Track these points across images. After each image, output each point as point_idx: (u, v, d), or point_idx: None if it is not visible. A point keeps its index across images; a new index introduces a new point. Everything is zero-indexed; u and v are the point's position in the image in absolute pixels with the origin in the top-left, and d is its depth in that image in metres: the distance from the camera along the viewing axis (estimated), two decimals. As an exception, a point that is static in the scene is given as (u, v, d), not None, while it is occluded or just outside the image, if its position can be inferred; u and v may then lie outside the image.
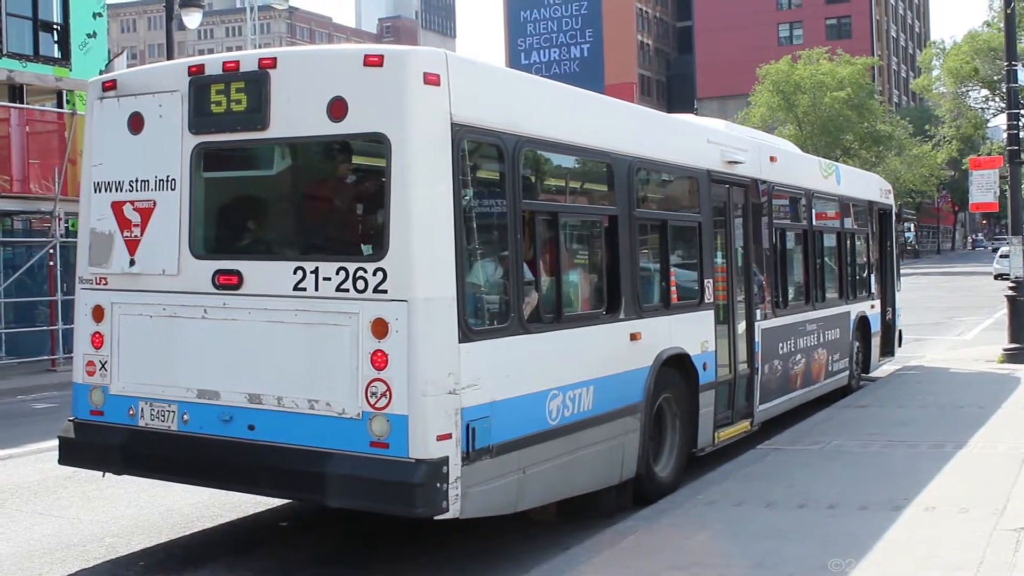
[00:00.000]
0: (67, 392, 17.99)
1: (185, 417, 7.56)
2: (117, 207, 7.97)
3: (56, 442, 8.27)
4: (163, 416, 7.68)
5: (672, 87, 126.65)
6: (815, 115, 73.71)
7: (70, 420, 8.21)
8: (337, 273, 6.95)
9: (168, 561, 8.05)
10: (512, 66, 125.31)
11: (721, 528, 8.08)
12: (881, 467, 10.10)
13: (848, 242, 15.46)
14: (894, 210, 18.28)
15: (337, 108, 7.02)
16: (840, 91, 72.70)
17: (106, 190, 8.06)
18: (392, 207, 6.76)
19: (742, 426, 11.41)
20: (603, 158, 8.91)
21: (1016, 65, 19.61)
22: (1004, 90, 21.99)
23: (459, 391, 6.82)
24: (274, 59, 7.35)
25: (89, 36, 28.46)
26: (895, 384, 16.41)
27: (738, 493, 9.15)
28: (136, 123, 7.94)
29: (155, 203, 7.80)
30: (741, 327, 11.45)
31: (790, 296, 13.10)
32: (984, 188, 21.75)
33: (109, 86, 8.15)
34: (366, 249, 7.06)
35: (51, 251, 21.68)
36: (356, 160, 7.60)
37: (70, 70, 27.72)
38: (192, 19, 25.40)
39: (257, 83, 7.36)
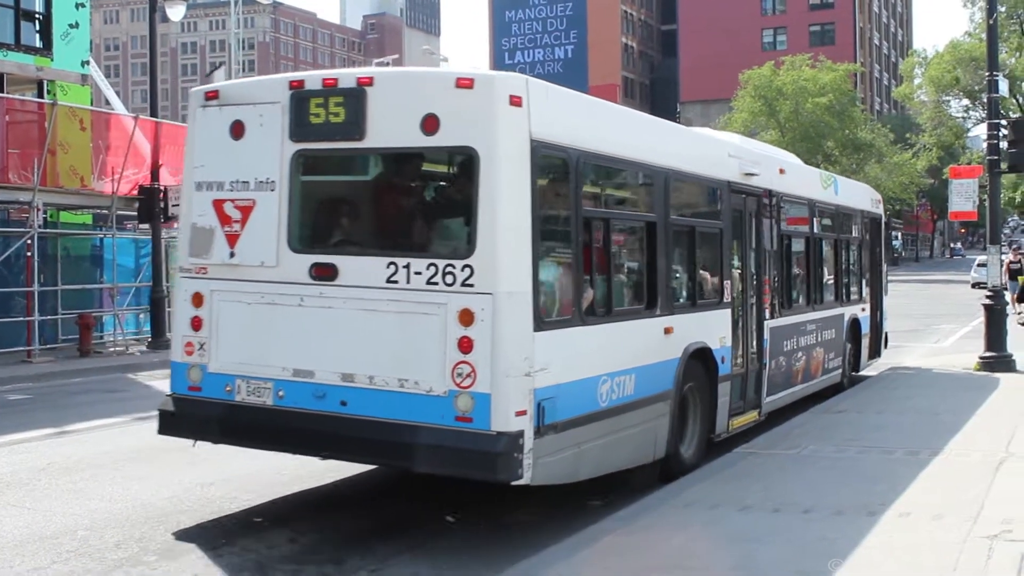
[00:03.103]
0: (42, 384, 17.90)
1: (280, 393, 8.50)
2: (218, 205, 8.93)
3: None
4: (259, 392, 8.61)
5: (655, 90, 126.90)
6: (797, 121, 74.13)
7: (168, 395, 9.13)
8: (427, 268, 7.95)
9: (141, 554, 8.02)
10: (496, 66, 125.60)
11: (697, 530, 8.08)
12: (857, 472, 10.12)
13: (843, 249, 16.61)
14: (883, 219, 19.24)
15: (430, 123, 7.99)
16: (822, 97, 73.07)
17: (207, 189, 9.00)
18: (480, 212, 7.78)
19: (751, 416, 12.52)
20: (645, 170, 10.07)
21: (997, 75, 19.70)
22: (985, 100, 22.11)
23: (533, 373, 7.86)
24: (371, 78, 8.35)
25: (71, 26, 28.28)
26: (873, 389, 16.48)
27: (714, 496, 9.16)
28: (237, 130, 8.89)
29: (255, 202, 8.77)
30: (752, 325, 12.58)
31: (794, 298, 14.24)
32: (964, 197, 21.87)
33: (211, 96, 9.10)
34: (455, 248, 8.02)
35: (28, 242, 21.54)
36: (446, 169, 8.63)
37: (51, 60, 27.56)
38: (175, 12, 25.31)
39: (355, 98, 8.33)
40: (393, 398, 8.03)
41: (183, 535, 8.60)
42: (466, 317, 7.80)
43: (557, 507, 9.43)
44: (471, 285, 7.79)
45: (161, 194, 23.35)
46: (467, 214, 7.92)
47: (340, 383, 8.26)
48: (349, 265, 8.34)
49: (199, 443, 9.35)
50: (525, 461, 7.76)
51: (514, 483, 7.76)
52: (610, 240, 9.29)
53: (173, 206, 23.40)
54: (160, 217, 23.38)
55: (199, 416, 8.92)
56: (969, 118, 75.38)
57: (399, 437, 7.93)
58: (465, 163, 8.00)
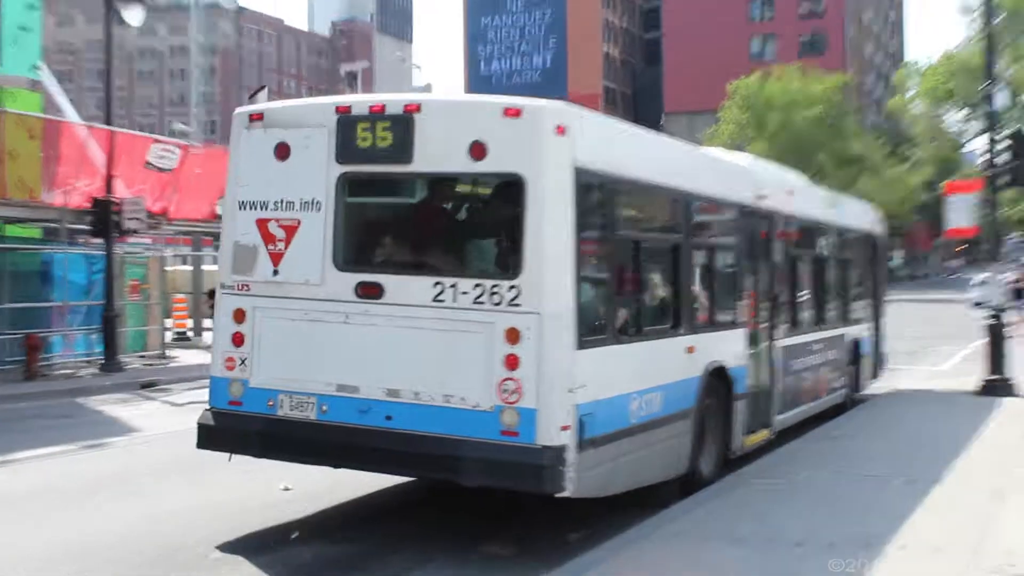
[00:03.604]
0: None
1: (324, 408, 9.16)
2: (262, 224, 9.58)
3: None
4: (302, 407, 9.25)
5: (639, 100, 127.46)
6: (786, 134, 74.41)
7: (208, 409, 9.72)
8: (474, 288, 8.68)
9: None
10: (471, 74, 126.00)
11: (687, 563, 8.03)
12: (852, 502, 10.07)
13: (847, 269, 17.50)
14: (884, 239, 19.95)
15: (477, 150, 8.73)
16: (812, 109, 73.49)
17: (251, 208, 9.65)
18: (526, 235, 8.53)
19: (763, 434, 13.20)
20: (672, 194, 10.98)
21: (995, 86, 19.79)
22: (984, 110, 22.21)
23: (575, 390, 8.58)
24: (418, 105, 9.08)
25: (21, 29, 28.04)
26: (870, 414, 16.47)
27: (704, 527, 9.11)
28: (282, 152, 9.53)
29: (300, 222, 9.43)
30: (764, 344, 13.32)
31: (801, 318, 15.03)
32: (961, 212, 21.92)
33: (256, 118, 9.78)
34: (501, 269, 8.78)
35: (-26, 256, 21.30)
36: (492, 194, 9.34)
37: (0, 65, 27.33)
38: (133, 15, 25.12)
39: (402, 124, 9.04)
40: (439, 413, 8.72)
41: (138, 563, 8.50)
42: (512, 335, 8.51)
43: (534, 540, 9.39)
44: (518, 304, 8.53)
45: (116, 207, 23.13)
46: (513, 237, 8.66)
47: (385, 398, 8.94)
48: (395, 284, 9.03)
49: (156, 476, 9.40)
50: (568, 474, 8.45)
51: (558, 495, 8.47)
52: (640, 262, 10.33)
53: (128, 219, 23.22)
54: (114, 231, 23.17)
55: (239, 430, 9.54)
56: (968, 130, 75.82)
57: (446, 450, 8.61)
58: (512, 188, 8.67)
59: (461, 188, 9.65)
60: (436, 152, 8.99)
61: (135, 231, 24.63)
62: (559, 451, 8.42)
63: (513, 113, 8.72)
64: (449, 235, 9.61)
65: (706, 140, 72.56)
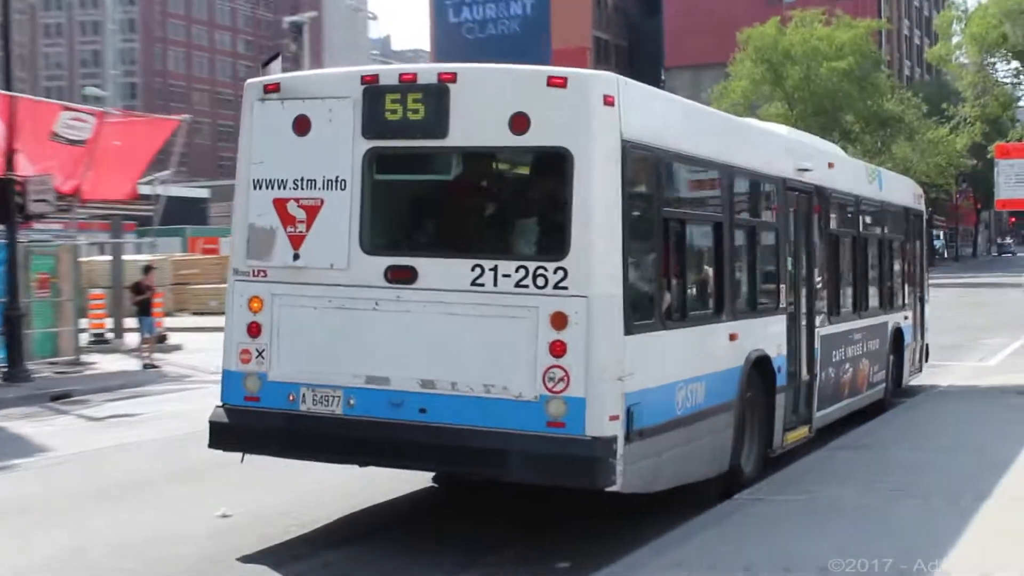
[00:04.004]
0: None
1: (351, 401, 9.80)
2: (280, 204, 10.14)
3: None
4: (327, 401, 9.88)
5: (635, 54, 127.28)
6: (808, 90, 74.36)
7: (219, 406, 10.37)
8: (517, 271, 9.31)
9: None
10: (437, 25, 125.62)
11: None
12: (884, 524, 10.14)
13: (887, 250, 18.34)
14: (925, 216, 20.71)
15: (519, 122, 9.35)
16: (839, 61, 73.32)
17: (267, 187, 10.21)
18: (574, 213, 9.18)
19: (803, 431, 13.93)
20: (715, 168, 11.74)
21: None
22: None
23: (624, 378, 9.25)
24: (454, 74, 9.66)
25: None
26: (903, 419, 16.58)
27: (710, 555, 9.16)
28: (302, 125, 10.11)
29: (322, 201, 9.99)
30: (804, 332, 14.05)
31: (842, 304, 15.85)
32: (1014, 181, 22.02)
33: (271, 88, 10.32)
34: (546, 249, 9.44)
35: None
36: (535, 170, 10.15)
37: None
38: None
39: (436, 95, 9.64)
40: (478, 404, 9.38)
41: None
42: (559, 320, 9.15)
43: (514, 567, 9.53)
44: (564, 287, 9.17)
45: (18, 187, 23.00)
46: (559, 215, 9.32)
47: (419, 390, 9.59)
48: (429, 268, 9.68)
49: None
50: (618, 467, 9.13)
51: (608, 489, 9.16)
52: (685, 241, 11.07)
53: (34, 201, 23.13)
54: (17, 216, 23.05)
55: (258, 428, 10.18)
56: (1020, 83, 75.77)
57: (486, 444, 9.28)
58: (557, 163, 9.29)
59: (501, 163, 10.37)
60: (473, 125, 9.60)
61: (42, 215, 24.59)
62: (609, 442, 9.10)
63: (558, 82, 9.33)
64: (488, 214, 10.40)
65: (714, 100, 72.61)
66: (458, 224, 10.32)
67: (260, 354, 10.21)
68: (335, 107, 10.01)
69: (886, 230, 18.45)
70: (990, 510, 10.61)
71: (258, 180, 10.30)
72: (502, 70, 10.09)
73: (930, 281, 22.73)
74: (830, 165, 15.44)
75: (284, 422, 10.04)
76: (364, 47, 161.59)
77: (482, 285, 9.42)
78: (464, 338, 9.51)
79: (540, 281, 9.24)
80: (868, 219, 17.58)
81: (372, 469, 11.21)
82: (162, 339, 29.55)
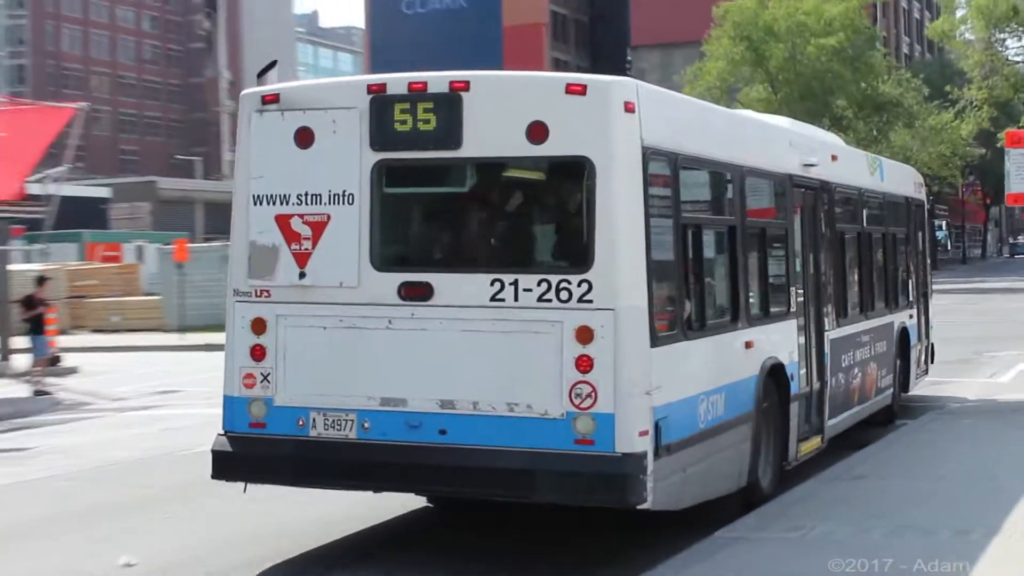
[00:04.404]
0: None
1: (365, 425, 10.64)
2: (283, 220, 10.96)
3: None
4: (339, 425, 10.70)
5: (597, 30, 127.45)
6: (794, 71, 74.45)
7: (222, 434, 11.13)
8: (538, 284, 10.23)
9: None
10: (373, 4, 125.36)
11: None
12: (884, 563, 10.14)
13: (890, 244, 19.39)
14: (926, 205, 21.78)
15: (537, 131, 10.28)
16: (828, 37, 73.54)
17: (268, 203, 11.01)
18: (597, 224, 10.11)
19: (815, 442, 14.93)
20: (728, 170, 12.76)
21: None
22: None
23: (652, 391, 10.17)
24: (466, 82, 10.55)
25: None
26: (903, 444, 16.64)
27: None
28: (304, 137, 10.92)
29: (329, 217, 10.81)
30: (814, 336, 15.05)
31: (849, 305, 16.88)
32: (1026, 173, 22.10)
33: (270, 99, 11.13)
34: (569, 262, 10.46)
35: None
36: (554, 180, 11.09)
37: None
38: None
39: (449, 104, 10.54)
40: (501, 424, 10.28)
41: None
42: (584, 334, 10.04)
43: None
44: (589, 301, 10.08)
45: None
46: (582, 227, 10.27)
47: (438, 410, 10.45)
48: (446, 283, 10.57)
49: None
50: (648, 484, 10.01)
51: (639, 507, 10.04)
52: (702, 247, 12.07)
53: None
54: None
55: (265, 456, 10.96)
56: (1033, 62, 75.98)
57: (512, 464, 10.16)
58: (578, 173, 10.30)
59: (518, 174, 11.18)
60: (489, 135, 10.51)
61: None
62: (640, 458, 10.00)
63: (577, 90, 10.23)
64: (506, 227, 11.28)
65: (687, 83, 72.90)
66: (475, 238, 11.35)
67: (265, 378, 10.93)
68: (340, 118, 10.80)
69: (889, 223, 19.46)
70: (1003, 547, 10.65)
71: (258, 196, 11.03)
72: (518, 77, 11.24)
73: (934, 286, 22.97)
74: (833, 157, 16.44)
75: (294, 449, 10.82)
76: (287, 23, 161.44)
77: (502, 300, 10.30)
78: (485, 355, 10.40)
79: (564, 295, 10.12)
80: (871, 213, 18.49)
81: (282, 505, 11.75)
82: (55, 361, 29.25)
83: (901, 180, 20.94)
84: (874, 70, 76.62)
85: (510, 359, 10.31)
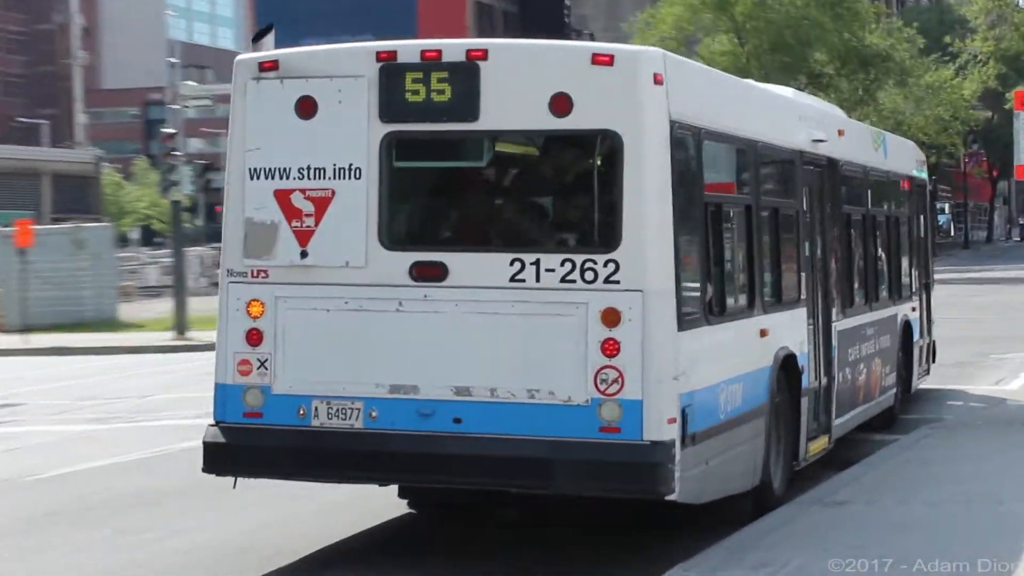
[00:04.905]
0: None
1: (373, 414, 11.63)
2: (282, 196, 11.90)
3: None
4: (344, 414, 11.67)
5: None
6: (764, 19, 74.42)
7: (213, 425, 12.10)
8: (562, 264, 11.30)
9: None
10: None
11: None
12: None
13: (894, 228, 21.00)
14: (928, 186, 23.25)
15: (560, 104, 11.31)
16: (803, -21, 73.59)
17: (266, 177, 11.93)
18: (625, 201, 11.20)
19: (822, 441, 16.21)
20: (745, 145, 14.03)
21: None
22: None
23: (679, 377, 11.27)
24: (484, 51, 11.57)
25: None
26: (893, 463, 16.69)
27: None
28: (307, 107, 11.86)
29: (334, 192, 11.78)
30: (822, 327, 16.33)
31: (855, 294, 18.34)
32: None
33: (268, 66, 12.06)
34: (595, 241, 11.61)
35: None
36: (579, 154, 12.19)
37: None
38: None
39: (465, 74, 11.59)
40: (521, 411, 11.34)
41: None
42: (611, 317, 11.09)
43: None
44: (616, 281, 11.15)
45: None
46: (609, 204, 11.41)
47: (452, 397, 11.48)
48: (461, 263, 11.63)
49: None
50: (676, 473, 11.10)
51: (667, 498, 11.15)
52: (721, 227, 13.20)
53: None
54: None
55: (263, 447, 11.95)
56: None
57: (533, 453, 11.21)
58: (605, 148, 11.53)
59: (540, 149, 12.41)
60: (508, 107, 11.58)
61: None
62: (668, 447, 11.08)
63: (604, 60, 11.29)
64: (528, 204, 12.43)
65: (638, 32, 72.98)
66: (493, 215, 12.47)
67: (262, 364, 11.86)
68: (345, 87, 11.76)
69: (893, 205, 21.33)
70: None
71: (255, 169, 11.93)
72: (540, 46, 12.29)
73: (934, 271, 23.47)
74: (840, 132, 17.85)
75: (294, 439, 11.82)
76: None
77: (523, 281, 11.38)
78: (503, 339, 11.49)
79: (589, 275, 11.20)
80: (876, 193, 19.94)
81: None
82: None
83: (903, 157, 22.37)
84: (859, 17, 76.62)
85: (530, 343, 11.37)
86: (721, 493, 12.66)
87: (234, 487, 12.29)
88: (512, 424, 11.24)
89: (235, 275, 11.98)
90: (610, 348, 10.99)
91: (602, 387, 11.01)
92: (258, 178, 11.89)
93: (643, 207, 11.16)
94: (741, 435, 13.02)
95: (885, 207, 20.71)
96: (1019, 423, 19.97)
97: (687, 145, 12.05)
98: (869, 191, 19.48)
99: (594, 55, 11.30)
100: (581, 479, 11.22)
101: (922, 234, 23.26)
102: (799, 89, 63.16)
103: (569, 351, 11.15)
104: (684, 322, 11.51)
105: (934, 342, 23.88)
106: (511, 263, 11.35)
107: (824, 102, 21.41)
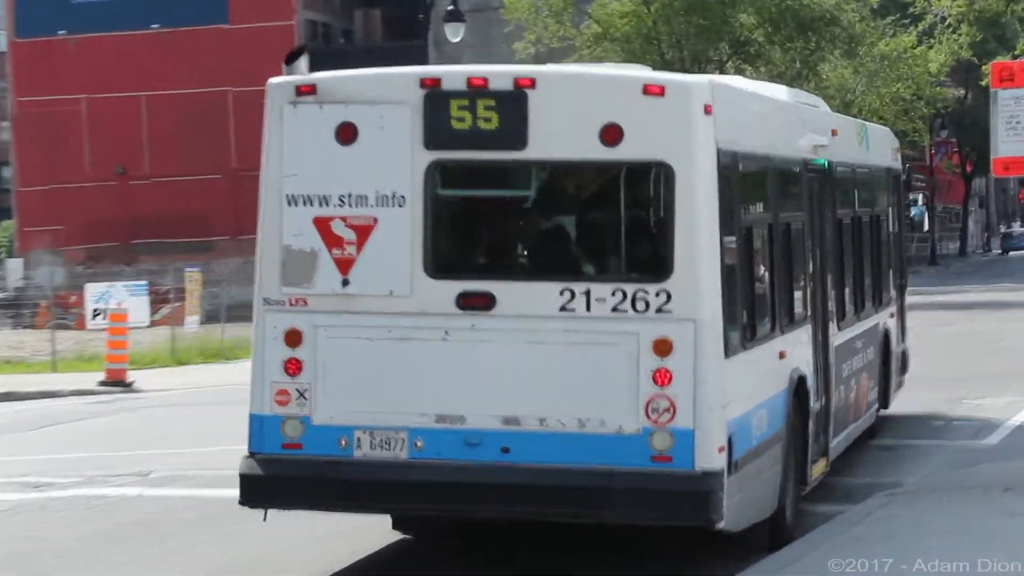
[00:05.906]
0: None
1: (418, 444, 14.08)
2: (322, 223, 14.34)
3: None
4: (388, 444, 14.14)
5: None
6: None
7: (248, 456, 14.50)
8: (613, 294, 13.91)
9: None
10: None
11: None
12: None
13: (876, 229, 24.26)
14: (903, 176, 25.72)
15: (611, 134, 13.87)
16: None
17: (305, 204, 14.38)
18: (677, 232, 13.76)
19: (821, 464, 19.09)
20: (766, 164, 16.71)
21: None
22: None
23: (726, 405, 13.81)
24: (532, 80, 14.12)
25: None
26: (838, 539, 16.76)
27: None
28: (347, 133, 14.30)
29: (376, 220, 14.25)
30: (821, 344, 19.07)
31: (847, 305, 21.47)
32: (1022, 123, 22.31)
33: (306, 90, 14.44)
34: (647, 271, 14.13)
35: None
36: (629, 184, 14.83)
37: None
38: None
39: (513, 102, 14.11)
40: (571, 441, 13.86)
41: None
42: (662, 347, 13.62)
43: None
44: (668, 311, 13.73)
45: None
46: (660, 234, 14.06)
47: (501, 427, 14.01)
48: (509, 293, 14.16)
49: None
50: (725, 501, 13.55)
51: (717, 527, 13.66)
52: (753, 251, 16.04)
53: None
54: None
55: (302, 478, 14.32)
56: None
57: (584, 483, 13.65)
58: (656, 178, 14.11)
59: (590, 178, 14.99)
60: (557, 136, 14.09)
61: None
62: (719, 475, 13.58)
63: (656, 91, 13.87)
64: (575, 233, 15.03)
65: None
66: (542, 244, 15.08)
67: (301, 395, 14.26)
68: (387, 113, 14.22)
69: (875, 203, 24.74)
70: None
71: (293, 195, 14.32)
72: (589, 75, 15.21)
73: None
74: (834, 132, 20.69)
75: (336, 471, 14.17)
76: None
77: (573, 310, 13.95)
78: (553, 369, 14.00)
79: (640, 305, 13.81)
80: (862, 193, 23.52)
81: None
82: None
83: (882, 148, 25.48)
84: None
85: (581, 372, 13.87)
86: (750, 520, 15.08)
87: (264, 519, 14.58)
88: (561, 454, 13.64)
89: (271, 303, 14.34)
90: (661, 378, 13.46)
91: (653, 416, 13.48)
92: (296, 205, 14.23)
93: (694, 237, 13.54)
94: (767, 461, 15.56)
95: (869, 207, 23.96)
96: (1000, 488, 19.89)
97: (730, 171, 14.39)
98: (856, 191, 22.88)
99: (646, 86, 13.73)
100: (633, 508, 13.65)
101: (897, 229, 26.90)
102: (721, 61, 64.00)
103: (620, 380, 13.63)
104: (728, 349, 13.95)
105: (906, 351, 26.69)
106: (561, 293, 13.81)
107: (810, 95, 23.86)
